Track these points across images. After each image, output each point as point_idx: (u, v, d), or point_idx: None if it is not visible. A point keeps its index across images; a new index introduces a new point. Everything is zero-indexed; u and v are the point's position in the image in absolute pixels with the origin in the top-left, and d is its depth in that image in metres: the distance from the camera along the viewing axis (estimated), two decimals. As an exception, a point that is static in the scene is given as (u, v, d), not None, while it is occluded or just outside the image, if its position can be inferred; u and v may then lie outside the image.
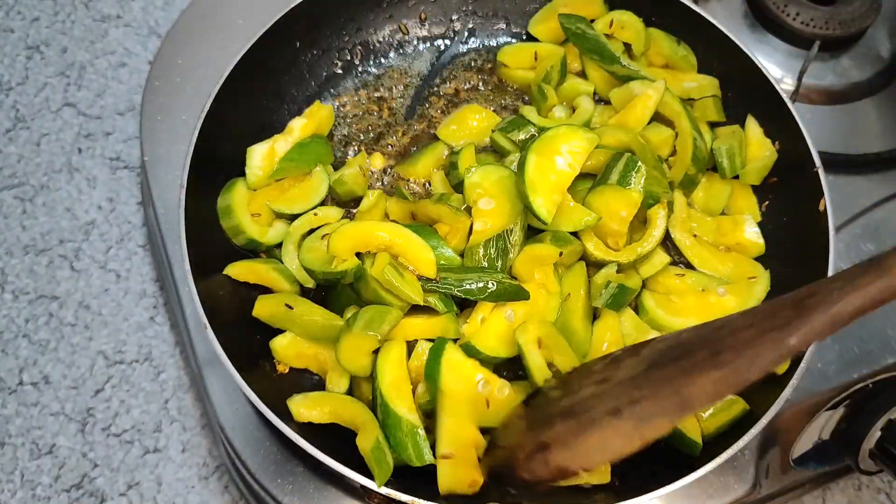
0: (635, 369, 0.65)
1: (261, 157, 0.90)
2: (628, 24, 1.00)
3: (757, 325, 0.60)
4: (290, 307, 0.82)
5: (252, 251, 0.89)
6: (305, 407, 0.78)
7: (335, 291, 0.86)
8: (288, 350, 0.83)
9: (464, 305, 0.84)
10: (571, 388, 0.70)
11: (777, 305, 0.61)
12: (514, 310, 0.82)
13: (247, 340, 0.83)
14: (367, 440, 0.74)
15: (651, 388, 0.62)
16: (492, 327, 0.81)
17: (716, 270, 0.89)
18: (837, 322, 0.57)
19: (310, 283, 0.87)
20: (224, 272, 0.85)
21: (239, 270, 0.85)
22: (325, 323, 0.81)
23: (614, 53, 0.97)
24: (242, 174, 0.90)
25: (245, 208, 0.88)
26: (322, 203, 0.92)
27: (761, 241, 0.91)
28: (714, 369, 0.59)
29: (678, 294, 0.87)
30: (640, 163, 0.84)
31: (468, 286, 0.80)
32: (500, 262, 0.83)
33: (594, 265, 0.86)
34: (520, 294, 0.81)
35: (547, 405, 0.70)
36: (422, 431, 0.74)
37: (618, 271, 0.85)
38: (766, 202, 0.94)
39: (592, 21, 1.01)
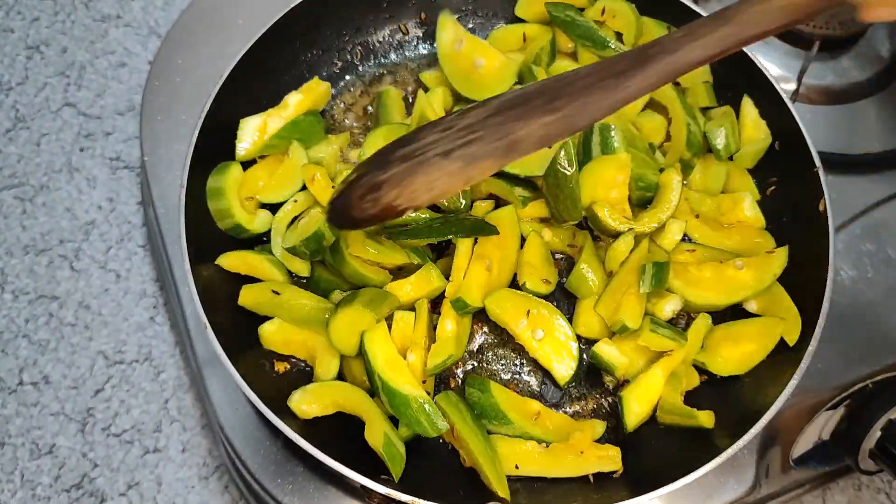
0: (477, 117, 0.65)
1: (252, 129, 0.91)
2: (620, 13, 0.99)
3: (595, 75, 0.61)
4: (277, 293, 0.82)
5: (235, 237, 0.88)
6: (306, 403, 0.78)
7: (315, 276, 0.86)
8: (276, 336, 0.83)
9: (440, 255, 0.88)
10: (416, 136, 0.68)
11: (619, 57, 0.61)
12: (489, 259, 0.84)
13: (247, 341, 0.83)
14: (376, 436, 0.75)
15: (485, 131, 0.63)
16: (474, 280, 0.83)
17: (723, 245, 0.90)
18: (673, 72, 0.58)
19: (303, 273, 0.86)
20: (216, 262, 0.84)
21: (231, 261, 0.85)
22: (314, 306, 0.81)
23: (605, 38, 0.96)
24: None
25: (236, 192, 0.88)
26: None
27: (761, 216, 0.91)
28: (546, 114, 0.60)
29: (695, 264, 0.87)
30: (612, 126, 0.85)
31: (437, 226, 0.83)
32: (463, 202, 0.87)
33: (612, 237, 0.87)
34: (486, 229, 0.84)
35: (389, 152, 0.69)
36: (430, 403, 0.75)
37: (635, 247, 0.85)
38: (766, 202, 0.94)
39: (582, 11, 1.00)
